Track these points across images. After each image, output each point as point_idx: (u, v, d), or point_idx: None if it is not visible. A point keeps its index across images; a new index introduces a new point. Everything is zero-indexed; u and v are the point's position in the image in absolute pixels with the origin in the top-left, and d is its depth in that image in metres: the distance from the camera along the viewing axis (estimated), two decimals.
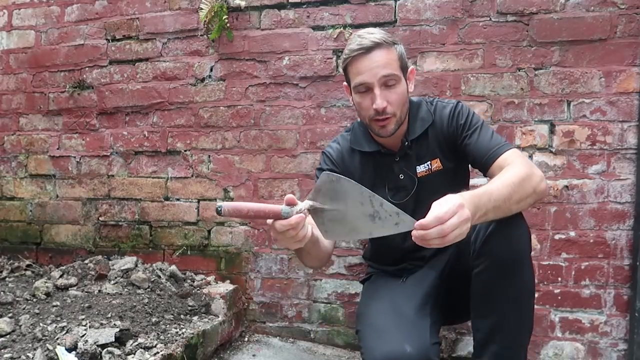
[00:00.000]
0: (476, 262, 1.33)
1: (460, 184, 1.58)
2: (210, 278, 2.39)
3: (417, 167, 1.53)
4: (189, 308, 2.06)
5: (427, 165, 1.53)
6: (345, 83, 1.55)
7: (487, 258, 1.29)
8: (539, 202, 1.99)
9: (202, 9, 2.32)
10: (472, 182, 1.76)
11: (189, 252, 2.48)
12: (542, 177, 1.29)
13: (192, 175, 2.47)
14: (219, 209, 1.05)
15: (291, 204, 1.07)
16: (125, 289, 2.11)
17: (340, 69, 2.29)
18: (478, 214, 1.11)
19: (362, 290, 1.78)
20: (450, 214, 1.02)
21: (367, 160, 1.59)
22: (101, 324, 1.73)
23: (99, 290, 2.09)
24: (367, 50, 1.39)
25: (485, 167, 1.41)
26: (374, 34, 1.41)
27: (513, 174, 1.25)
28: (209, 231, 2.45)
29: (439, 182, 1.51)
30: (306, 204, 1.08)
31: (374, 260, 1.78)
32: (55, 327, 1.74)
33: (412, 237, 1.03)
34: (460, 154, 1.50)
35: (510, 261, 1.27)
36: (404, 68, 1.45)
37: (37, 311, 1.88)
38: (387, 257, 1.69)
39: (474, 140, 1.44)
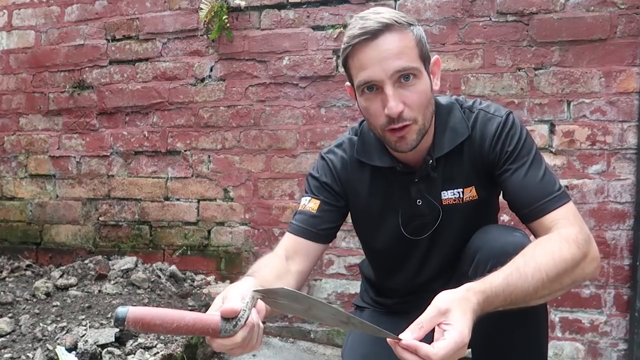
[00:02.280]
0: None
1: (490, 217, 1.27)
2: (210, 278, 2.39)
3: (443, 192, 1.16)
4: (189, 308, 2.06)
5: (458, 192, 1.16)
6: (347, 83, 1.16)
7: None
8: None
9: (202, 9, 2.32)
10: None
11: (189, 252, 2.48)
12: (596, 257, 0.98)
13: (192, 175, 2.47)
14: (119, 318, 0.70)
15: (230, 316, 0.74)
16: (125, 289, 2.11)
17: (341, 67, 2.31)
18: (484, 312, 0.86)
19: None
20: (448, 356, 0.76)
21: (379, 176, 1.21)
22: (101, 324, 1.74)
23: (99, 290, 2.09)
24: (373, 35, 1.01)
25: (526, 220, 1.09)
26: (381, 13, 1.03)
27: (555, 259, 0.92)
28: (209, 231, 2.45)
29: (468, 215, 1.18)
30: (250, 301, 0.77)
31: (372, 286, 1.42)
32: (55, 327, 1.74)
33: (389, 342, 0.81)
34: (496, 184, 1.17)
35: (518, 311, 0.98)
36: (424, 58, 1.07)
37: (37, 311, 1.88)
38: (391, 290, 1.35)
39: (518, 178, 1.08)
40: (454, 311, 0.79)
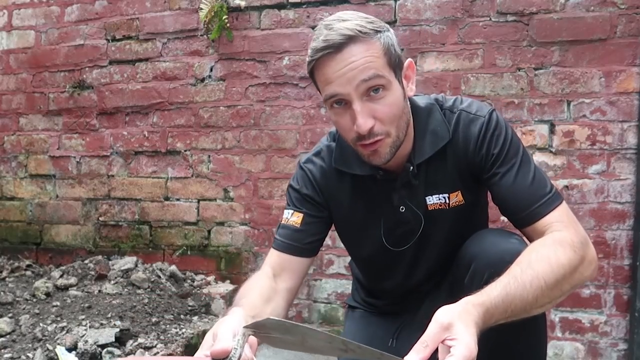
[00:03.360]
0: None
1: (480, 218, 1.24)
2: (210, 278, 2.39)
3: (428, 197, 1.12)
4: (189, 308, 2.06)
5: (444, 197, 1.12)
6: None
7: None
8: None
9: (202, 9, 2.32)
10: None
11: (189, 252, 2.48)
12: (593, 259, 0.96)
13: (192, 175, 2.47)
14: None
15: (222, 357, 0.72)
16: (125, 289, 2.11)
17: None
18: (486, 326, 0.83)
19: (345, 325, 1.41)
20: None
21: (359, 184, 1.16)
22: (101, 324, 1.73)
23: (99, 290, 2.09)
24: (337, 48, 0.95)
25: (519, 226, 1.05)
26: (346, 22, 0.97)
27: (552, 266, 0.89)
28: (209, 231, 2.45)
29: (455, 220, 1.14)
30: (241, 338, 0.74)
31: (362, 287, 1.39)
32: (55, 327, 1.74)
33: None
34: (483, 187, 1.14)
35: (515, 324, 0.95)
36: (394, 65, 1.01)
37: (37, 311, 1.88)
38: (381, 291, 1.32)
39: (508, 182, 1.04)
40: (457, 325, 0.75)
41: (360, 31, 0.96)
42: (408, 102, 1.08)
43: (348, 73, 0.96)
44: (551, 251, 0.91)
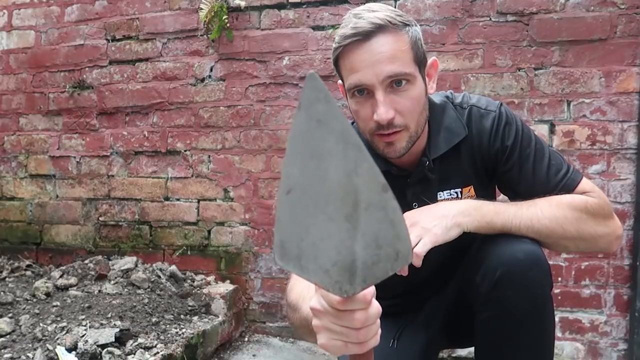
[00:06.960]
0: (482, 307, 1.03)
1: None
2: (210, 278, 2.39)
3: (439, 193, 1.12)
4: (189, 308, 2.06)
5: (456, 193, 1.12)
6: (339, 81, 1.12)
7: (497, 305, 0.99)
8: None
9: (202, 9, 2.32)
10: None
11: (189, 252, 2.48)
12: (613, 224, 1.02)
13: (192, 175, 2.47)
14: None
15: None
16: (125, 289, 2.11)
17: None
18: (478, 217, 0.95)
19: None
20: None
21: None
22: (101, 324, 1.73)
23: (99, 290, 2.09)
24: (365, 36, 0.96)
25: None
26: (376, 12, 0.98)
27: (551, 203, 0.99)
28: (209, 231, 2.45)
29: None
30: None
31: None
32: (55, 327, 1.74)
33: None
34: (498, 182, 1.16)
35: (526, 311, 0.97)
36: (420, 61, 1.02)
37: (37, 311, 1.88)
38: (385, 292, 1.34)
39: (527, 174, 1.07)
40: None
41: (390, 22, 0.97)
42: (427, 100, 1.09)
43: (375, 63, 0.96)
44: (555, 196, 1.02)
